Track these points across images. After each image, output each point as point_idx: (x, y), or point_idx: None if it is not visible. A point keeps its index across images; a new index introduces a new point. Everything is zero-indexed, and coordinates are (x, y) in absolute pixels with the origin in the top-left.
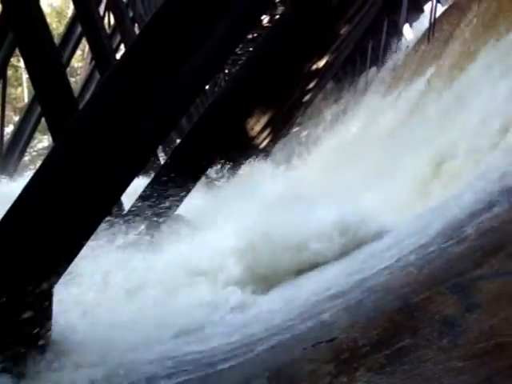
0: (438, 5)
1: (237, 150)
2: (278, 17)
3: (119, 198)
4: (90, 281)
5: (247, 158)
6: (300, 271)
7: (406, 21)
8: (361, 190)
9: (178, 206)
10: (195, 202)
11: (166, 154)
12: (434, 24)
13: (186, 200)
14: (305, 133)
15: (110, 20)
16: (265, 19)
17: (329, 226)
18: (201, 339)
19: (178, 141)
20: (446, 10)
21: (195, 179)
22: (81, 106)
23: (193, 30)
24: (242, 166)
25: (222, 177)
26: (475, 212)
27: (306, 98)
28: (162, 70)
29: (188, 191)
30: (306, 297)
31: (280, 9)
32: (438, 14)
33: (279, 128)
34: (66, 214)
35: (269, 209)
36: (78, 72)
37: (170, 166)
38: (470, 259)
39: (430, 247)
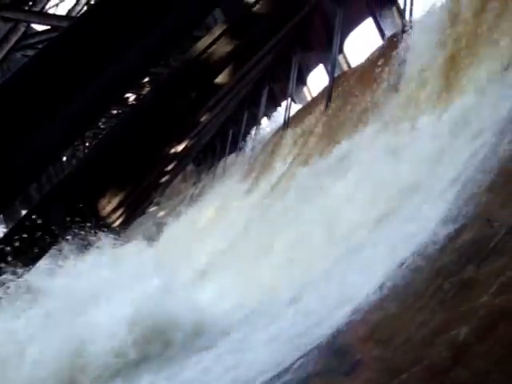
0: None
1: (85, 227)
2: (141, 98)
3: None
4: None
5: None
6: None
7: (264, 114)
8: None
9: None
10: None
11: (7, 226)
12: (288, 119)
13: None
14: (162, 213)
15: None
16: (131, 97)
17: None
18: None
19: (24, 212)
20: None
21: (37, 255)
22: None
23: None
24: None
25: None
26: None
27: (164, 179)
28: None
29: (27, 267)
30: None
31: (147, 89)
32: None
33: (133, 208)
34: None
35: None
36: None
37: (8, 240)
38: None
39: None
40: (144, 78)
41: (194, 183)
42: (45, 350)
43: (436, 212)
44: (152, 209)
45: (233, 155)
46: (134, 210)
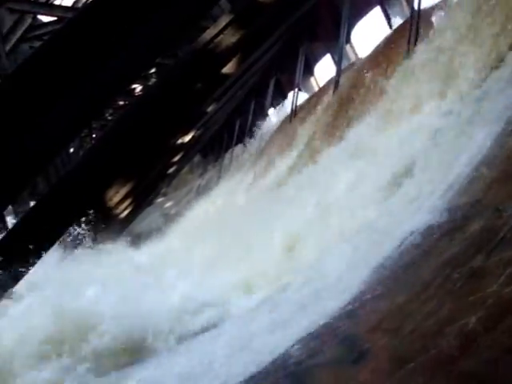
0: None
1: (94, 218)
2: (147, 89)
3: None
4: None
5: (105, 227)
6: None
7: (271, 104)
8: (215, 268)
9: (24, 274)
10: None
11: (16, 217)
12: (295, 110)
13: None
14: (169, 203)
15: None
16: (137, 88)
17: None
18: None
19: (32, 203)
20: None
21: (46, 246)
22: None
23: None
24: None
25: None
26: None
27: (171, 170)
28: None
29: (38, 259)
30: None
31: (153, 80)
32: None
33: (141, 199)
34: None
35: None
36: None
37: (19, 231)
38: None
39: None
40: (150, 68)
41: (201, 174)
42: None
43: (445, 201)
44: (159, 199)
45: (240, 146)
46: (141, 200)
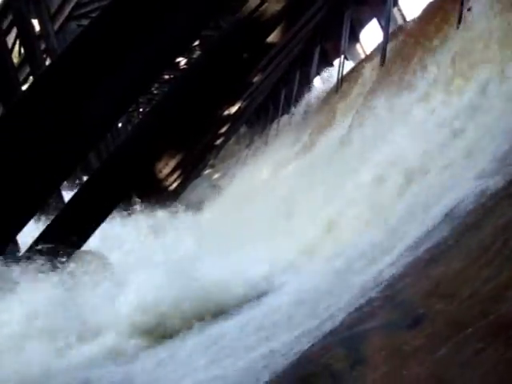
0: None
1: (145, 191)
2: (192, 62)
3: None
4: None
5: (155, 199)
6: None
7: (317, 73)
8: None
9: (79, 247)
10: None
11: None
12: (341, 78)
13: None
14: (216, 175)
15: (20, 51)
16: (182, 61)
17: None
18: None
19: (85, 178)
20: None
21: (100, 219)
22: None
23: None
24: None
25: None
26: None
27: (219, 141)
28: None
29: (92, 231)
30: None
31: (197, 53)
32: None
33: (189, 171)
34: None
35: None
36: None
37: (74, 205)
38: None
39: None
40: (196, 41)
41: (248, 145)
42: None
43: (505, 164)
44: (207, 171)
45: (286, 116)
46: (189, 172)
